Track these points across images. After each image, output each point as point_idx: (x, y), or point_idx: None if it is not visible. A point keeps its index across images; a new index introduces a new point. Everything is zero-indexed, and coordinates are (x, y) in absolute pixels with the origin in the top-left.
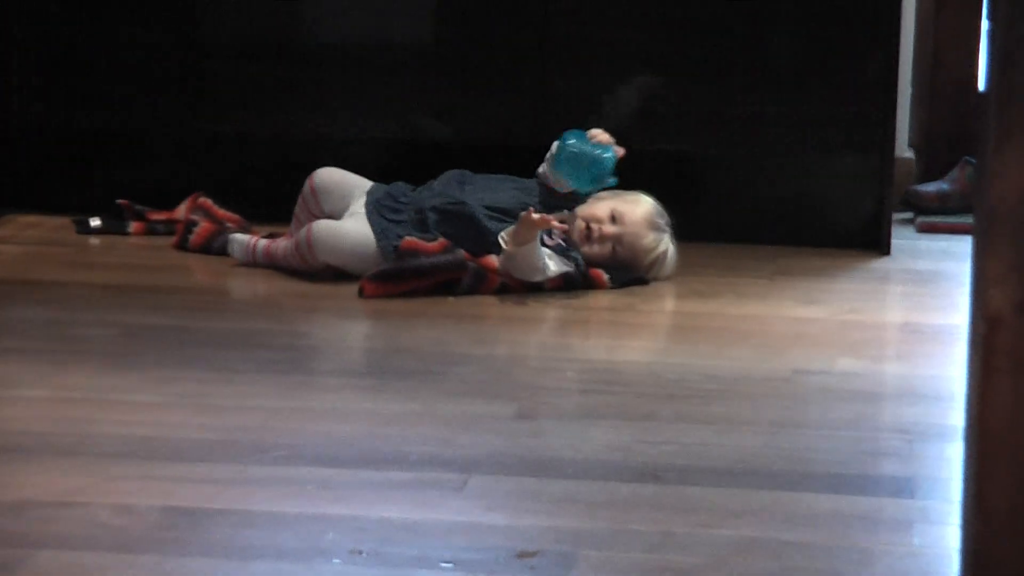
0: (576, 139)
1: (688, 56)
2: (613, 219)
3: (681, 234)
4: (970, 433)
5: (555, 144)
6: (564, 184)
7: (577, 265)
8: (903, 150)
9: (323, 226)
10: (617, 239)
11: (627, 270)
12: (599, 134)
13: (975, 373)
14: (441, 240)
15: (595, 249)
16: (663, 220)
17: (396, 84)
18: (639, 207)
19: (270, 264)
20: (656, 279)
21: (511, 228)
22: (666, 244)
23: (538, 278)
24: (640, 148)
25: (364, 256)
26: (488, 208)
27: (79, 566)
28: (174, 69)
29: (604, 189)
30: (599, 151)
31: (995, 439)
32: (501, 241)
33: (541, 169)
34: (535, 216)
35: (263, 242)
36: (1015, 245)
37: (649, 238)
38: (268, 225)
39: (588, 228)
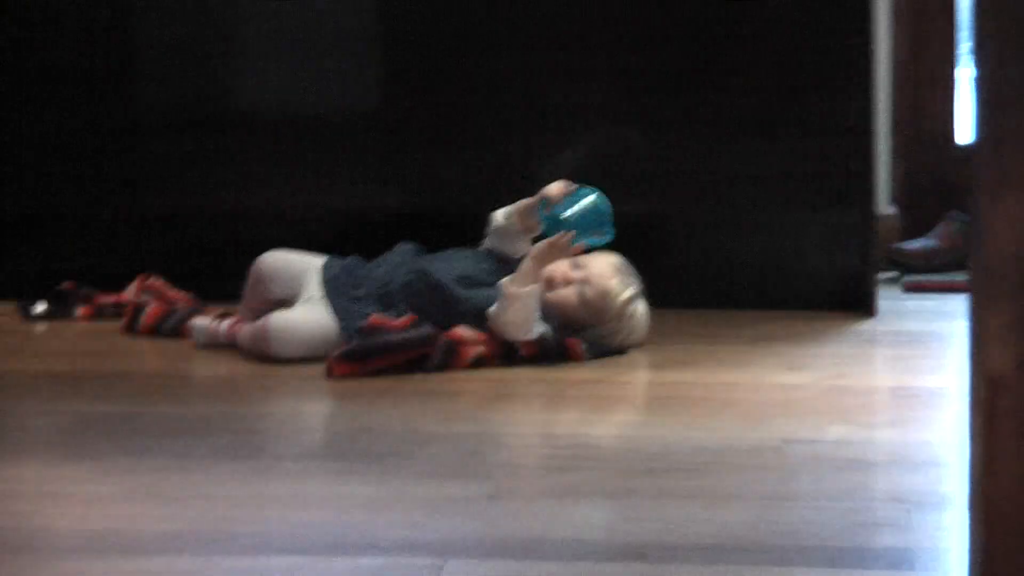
0: (596, 196)
1: (654, 113)
2: (576, 267)
3: (654, 300)
4: (974, 501)
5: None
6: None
7: (553, 328)
8: (885, 206)
9: (278, 322)
10: (582, 282)
11: (597, 322)
12: (563, 186)
13: (978, 437)
14: (408, 316)
15: (560, 294)
16: (629, 272)
17: (342, 154)
18: (602, 257)
19: (232, 346)
20: (627, 337)
21: (512, 276)
22: (635, 293)
23: (527, 333)
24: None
25: (324, 344)
26: (455, 277)
27: None
28: (110, 146)
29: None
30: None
31: (1001, 506)
32: (502, 288)
33: (489, 243)
34: (541, 246)
35: (225, 324)
36: (1014, 301)
37: (615, 281)
38: (221, 302)
39: (551, 278)
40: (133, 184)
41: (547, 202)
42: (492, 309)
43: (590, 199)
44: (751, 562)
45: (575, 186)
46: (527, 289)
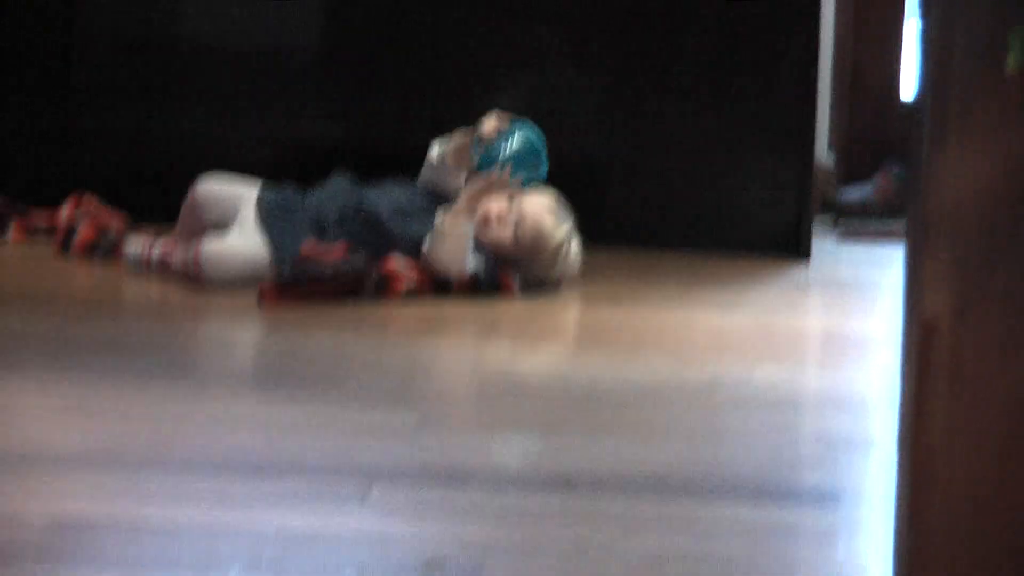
0: (530, 131)
1: (595, 53)
2: (510, 205)
3: (590, 239)
4: (904, 444)
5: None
6: (506, 176)
7: (487, 265)
8: (823, 154)
9: (211, 250)
10: (518, 220)
11: (531, 260)
12: (496, 122)
13: (910, 380)
14: (341, 244)
15: (494, 234)
16: (563, 209)
17: (283, 84)
18: (536, 194)
19: (162, 272)
20: (562, 276)
21: (447, 211)
22: (569, 231)
23: (461, 268)
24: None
25: (255, 272)
26: (390, 210)
27: None
28: (51, 65)
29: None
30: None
31: (931, 450)
32: (436, 224)
33: (424, 177)
34: (477, 184)
35: (157, 251)
36: (950, 248)
37: (550, 219)
38: (152, 225)
39: (486, 216)
40: (70, 102)
41: (480, 139)
42: (426, 244)
43: (523, 135)
44: (677, 496)
45: (508, 121)
46: (462, 226)
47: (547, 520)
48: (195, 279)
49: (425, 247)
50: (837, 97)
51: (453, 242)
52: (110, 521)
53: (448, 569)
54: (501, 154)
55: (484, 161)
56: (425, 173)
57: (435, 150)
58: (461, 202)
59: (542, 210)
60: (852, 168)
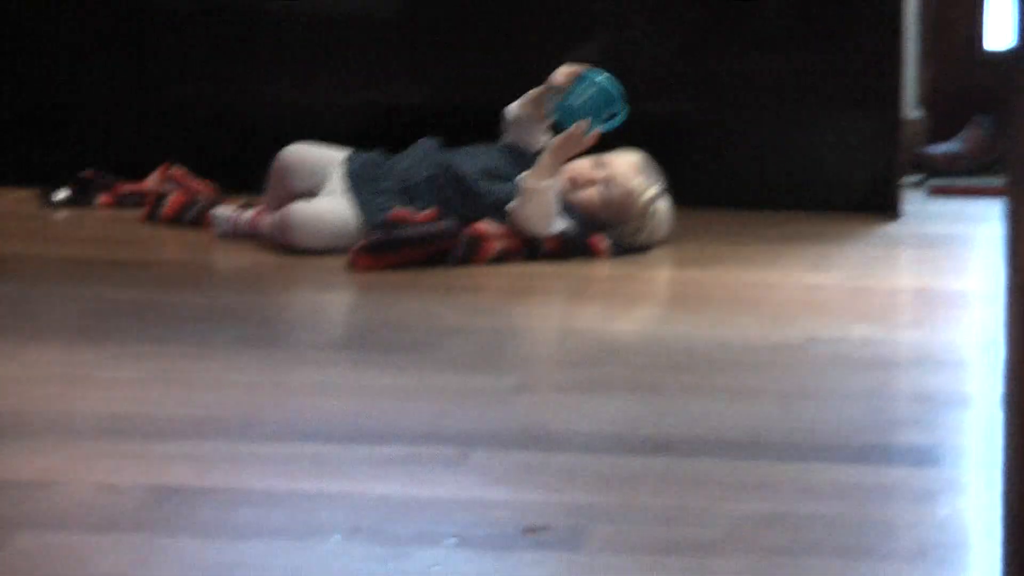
0: (603, 78)
1: (679, 12)
2: (599, 166)
3: (679, 200)
4: (1010, 401)
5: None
6: (584, 127)
7: (576, 226)
8: (911, 110)
9: (299, 211)
10: (605, 181)
11: (620, 221)
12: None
13: (1014, 337)
14: (431, 210)
15: (582, 196)
16: (652, 169)
17: (366, 49)
18: (625, 155)
19: (252, 237)
20: (651, 234)
21: (531, 170)
22: (657, 191)
23: (547, 228)
24: (630, 110)
25: (345, 235)
26: (477, 171)
27: (63, 546)
28: (133, 34)
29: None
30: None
31: None
32: (520, 183)
33: (508, 137)
34: (558, 139)
35: (247, 215)
36: None
37: (638, 180)
38: (241, 194)
39: (573, 177)
40: (157, 73)
41: (553, 88)
42: (512, 204)
43: (598, 82)
44: (776, 458)
45: (581, 69)
46: (545, 183)
47: (646, 483)
48: (284, 242)
49: (510, 206)
50: (923, 51)
51: (537, 200)
52: (207, 489)
53: (547, 533)
54: (575, 100)
55: (559, 109)
56: (507, 133)
57: (512, 107)
58: (544, 160)
59: (631, 171)
60: (941, 123)
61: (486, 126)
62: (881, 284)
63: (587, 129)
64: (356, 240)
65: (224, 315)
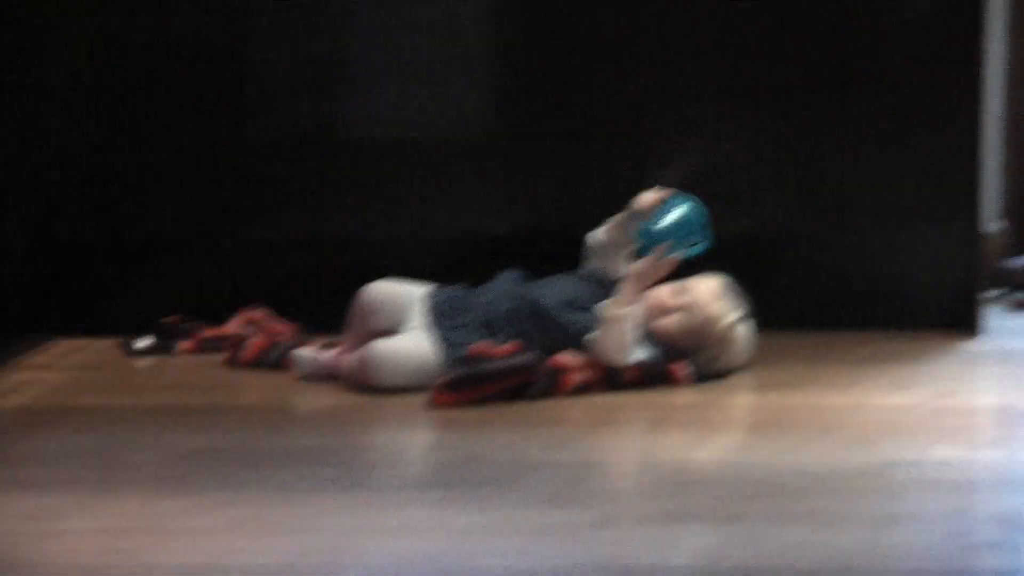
0: (688, 203)
1: (756, 129)
2: (679, 293)
3: (760, 322)
4: None
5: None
6: (665, 252)
7: (658, 354)
8: (992, 222)
9: (380, 348)
10: (685, 308)
11: (700, 348)
12: (654, 196)
13: None
14: (511, 343)
15: (662, 324)
16: (732, 294)
17: (450, 178)
18: (705, 280)
19: (335, 377)
20: (731, 360)
21: (612, 298)
22: (737, 316)
23: (626, 357)
24: (714, 234)
25: (425, 373)
26: (560, 302)
27: None
28: (213, 173)
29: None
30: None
31: None
32: (600, 312)
33: (589, 265)
34: (638, 265)
35: (328, 355)
36: None
37: (717, 306)
38: (323, 334)
39: (654, 305)
40: (237, 211)
41: (636, 212)
42: (591, 335)
43: (682, 208)
44: None
45: (666, 194)
46: (625, 311)
47: None
48: (365, 381)
49: (589, 336)
50: (1004, 163)
51: (617, 329)
52: None
53: None
54: (658, 225)
55: (642, 235)
56: (589, 260)
57: (595, 234)
58: (624, 287)
59: (711, 296)
60: (1022, 235)
61: (569, 255)
62: (961, 403)
63: (667, 253)
64: (437, 376)
65: (305, 458)
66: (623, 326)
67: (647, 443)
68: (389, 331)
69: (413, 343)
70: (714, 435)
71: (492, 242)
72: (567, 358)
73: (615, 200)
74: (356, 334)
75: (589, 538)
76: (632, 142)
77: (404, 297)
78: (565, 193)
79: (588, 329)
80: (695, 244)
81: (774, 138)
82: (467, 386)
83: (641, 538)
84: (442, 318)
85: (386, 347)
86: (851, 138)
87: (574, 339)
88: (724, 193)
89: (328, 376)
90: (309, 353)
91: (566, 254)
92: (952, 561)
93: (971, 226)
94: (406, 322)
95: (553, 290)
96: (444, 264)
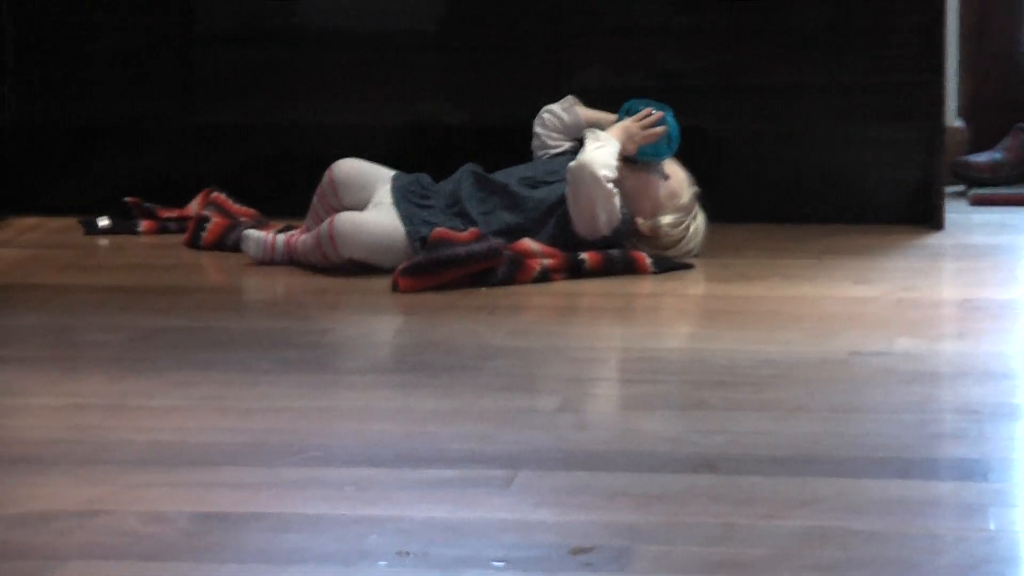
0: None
1: (715, 25)
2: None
3: (718, 215)
4: None
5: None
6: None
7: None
8: (952, 119)
9: (346, 218)
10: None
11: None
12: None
13: None
14: (472, 230)
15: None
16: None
17: (404, 70)
18: (674, 167)
19: (290, 261)
20: (691, 250)
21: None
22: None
23: (608, 178)
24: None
25: (390, 247)
26: (516, 179)
27: None
28: (170, 59)
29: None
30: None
31: None
32: (587, 133)
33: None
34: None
35: (282, 237)
36: None
37: (687, 193)
38: (282, 219)
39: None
40: (196, 96)
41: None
42: (574, 161)
43: (670, 123)
44: (821, 473)
45: (656, 114)
46: (606, 135)
47: (692, 502)
48: (328, 251)
49: (572, 163)
50: (963, 60)
51: (601, 147)
52: (253, 516)
53: (595, 554)
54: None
55: (644, 155)
56: (542, 134)
57: (561, 112)
58: (609, 129)
59: (685, 179)
60: (982, 132)
61: (523, 147)
62: (924, 296)
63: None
64: (399, 255)
65: (266, 341)
66: (608, 148)
67: (610, 331)
68: (356, 207)
69: (378, 216)
70: (677, 324)
71: (446, 131)
72: (529, 244)
73: (565, 93)
74: (319, 213)
75: (553, 423)
76: (585, 38)
77: (373, 175)
78: (515, 86)
79: (547, 199)
80: (668, 152)
81: (732, 35)
82: (429, 271)
83: (604, 424)
84: (407, 196)
85: (354, 217)
86: (813, 36)
87: (542, 216)
88: (681, 90)
89: (284, 258)
90: (261, 233)
91: (518, 146)
92: (916, 450)
93: (932, 123)
94: (373, 200)
95: (516, 172)
96: (398, 153)
